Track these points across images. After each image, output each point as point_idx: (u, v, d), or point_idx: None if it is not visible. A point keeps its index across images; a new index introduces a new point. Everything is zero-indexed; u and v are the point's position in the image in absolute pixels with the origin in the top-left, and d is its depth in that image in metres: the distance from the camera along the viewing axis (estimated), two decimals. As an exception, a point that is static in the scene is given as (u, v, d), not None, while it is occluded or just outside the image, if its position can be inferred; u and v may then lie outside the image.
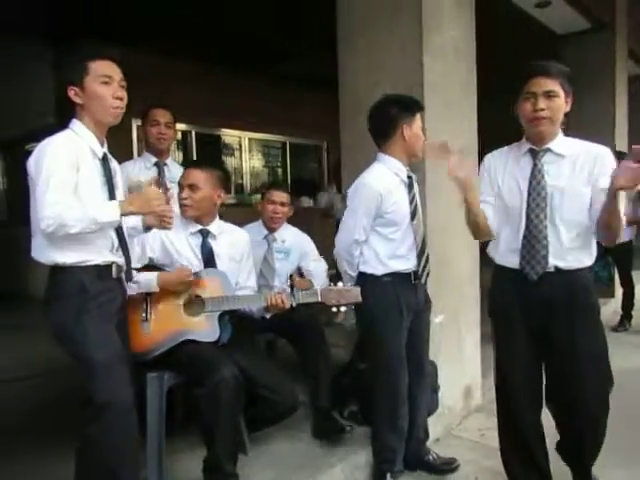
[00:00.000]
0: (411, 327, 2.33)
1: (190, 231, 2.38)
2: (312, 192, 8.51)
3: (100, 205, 1.76)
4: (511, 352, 2.06)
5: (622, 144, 5.59)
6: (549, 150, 1.95)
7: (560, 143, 1.96)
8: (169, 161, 3.11)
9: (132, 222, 2.03)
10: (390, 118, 2.24)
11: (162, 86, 5.24)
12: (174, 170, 2.99)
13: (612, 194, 1.77)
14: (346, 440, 2.54)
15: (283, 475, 2.33)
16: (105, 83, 1.81)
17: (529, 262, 1.94)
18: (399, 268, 2.27)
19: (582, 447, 2.09)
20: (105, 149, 1.89)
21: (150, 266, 2.30)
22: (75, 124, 1.84)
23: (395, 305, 2.25)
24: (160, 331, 2.20)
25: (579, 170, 1.92)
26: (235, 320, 2.43)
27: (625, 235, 4.61)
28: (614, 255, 5.15)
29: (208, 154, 7.24)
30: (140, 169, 3.01)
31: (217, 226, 2.45)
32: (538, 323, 1.98)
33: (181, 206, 2.37)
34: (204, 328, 2.23)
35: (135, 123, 5.78)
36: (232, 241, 2.47)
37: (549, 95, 1.87)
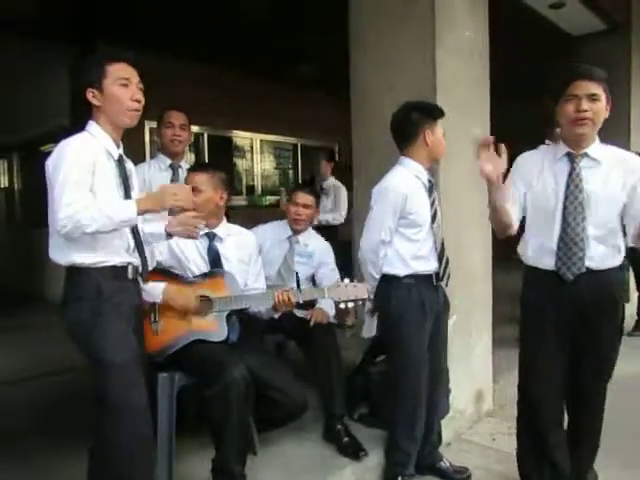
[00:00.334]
0: (431, 329, 2.33)
1: None
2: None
3: (116, 204, 1.78)
4: (541, 350, 2.10)
5: (638, 143, 5.54)
6: (586, 155, 1.99)
7: (597, 149, 2.01)
8: (183, 163, 3.12)
9: (151, 228, 2.04)
10: (413, 123, 2.27)
11: (175, 88, 5.26)
12: None
13: None
14: (361, 457, 2.50)
15: (292, 477, 2.33)
16: (123, 85, 1.83)
17: (565, 263, 1.99)
18: (421, 269, 2.28)
19: (580, 441, 2.17)
20: (121, 150, 1.91)
21: (158, 269, 2.31)
22: (91, 126, 1.85)
23: (418, 306, 2.26)
24: (169, 332, 2.21)
25: (614, 176, 1.97)
26: (244, 321, 2.43)
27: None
28: (630, 259, 5.07)
29: (220, 156, 7.27)
30: (154, 171, 3.03)
31: (224, 229, 2.46)
32: (568, 321, 2.04)
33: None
34: (212, 328, 2.24)
35: (148, 125, 5.83)
36: (239, 243, 2.48)
37: (592, 98, 1.91)
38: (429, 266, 2.30)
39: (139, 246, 1.91)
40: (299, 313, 2.77)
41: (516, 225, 2.11)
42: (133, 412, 1.76)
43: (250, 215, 5.93)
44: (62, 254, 1.78)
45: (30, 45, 5.86)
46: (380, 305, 2.35)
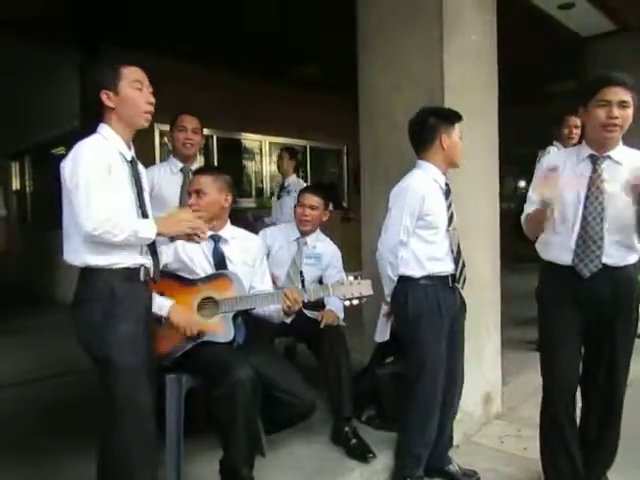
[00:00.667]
0: (448, 330, 2.33)
1: None
2: (333, 196, 8.55)
3: (141, 221, 1.84)
4: (558, 344, 2.17)
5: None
6: (609, 157, 2.06)
7: (620, 151, 2.08)
8: (195, 167, 3.14)
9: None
10: (429, 127, 2.30)
11: (184, 91, 5.30)
12: None
13: None
14: (369, 459, 2.49)
15: (300, 479, 2.33)
16: (138, 89, 1.87)
17: (582, 260, 2.05)
18: (437, 270, 2.29)
19: (599, 442, 2.22)
20: (133, 152, 1.93)
21: (164, 272, 2.30)
22: (103, 128, 1.87)
23: (434, 308, 2.27)
24: (175, 335, 2.22)
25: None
26: (251, 322, 2.44)
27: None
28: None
29: (229, 158, 7.31)
30: (166, 173, 3.05)
31: (228, 231, 2.47)
32: (584, 316, 2.11)
33: None
34: (218, 329, 2.24)
35: (158, 128, 5.87)
36: (244, 246, 2.49)
37: (623, 105, 1.98)
38: (445, 267, 2.31)
39: (152, 248, 1.93)
40: (309, 314, 2.77)
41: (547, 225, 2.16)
42: (140, 413, 1.78)
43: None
44: (77, 255, 1.79)
45: (40, 48, 5.93)
46: (397, 306, 2.35)
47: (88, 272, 1.80)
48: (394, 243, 2.29)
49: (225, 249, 2.42)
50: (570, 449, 2.17)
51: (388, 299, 2.38)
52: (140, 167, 1.98)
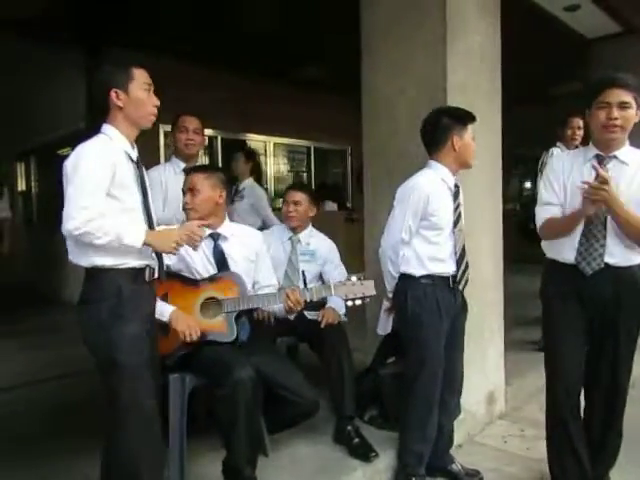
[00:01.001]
0: (448, 330, 2.34)
1: None
2: (336, 196, 8.56)
3: (128, 227, 1.79)
4: (561, 341, 2.19)
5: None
6: (615, 157, 2.08)
7: (626, 152, 2.09)
8: None
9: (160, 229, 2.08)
10: (441, 128, 2.30)
11: (189, 92, 5.32)
12: None
13: None
14: (372, 458, 2.49)
15: (303, 478, 2.34)
16: (147, 90, 1.89)
17: (585, 258, 2.07)
18: (438, 271, 2.30)
19: (602, 442, 2.22)
20: (136, 152, 1.94)
21: (167, 273, 2.31)
22: (107, 128, 1.88)
23: (434, 307, 2.28)
24: (178, 335, 2.22)
25: (639, 178, 2.06)
26: (254, 322, 2.45)
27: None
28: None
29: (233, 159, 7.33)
30: (169, 173, 3.07)
31: (227, 228, 2.48)
32: (586, 314, 2.12)
33: (185, 211, 2.40)
34: (222, 329, 2.26)
35: (163, 129, 5.89)
36: (244, 241, 2.49)
37: (623, 106, 2.00)
38: (446, 268, 2.31)
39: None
40: (310, 315, 2.78)
41: None
42: (145, 414, 1.79)
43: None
44: (83, 256, 1.79)
45: (42, 48, 5.97)
46: (397, 304, 2.38)
47: (95, 272, 1.80)
48: (395, 241, 2.31)
49: (225, 246, 2.43)
50: (577, 449, 2.18)
51: (390, 295, 2.40)
52: (143, 168, 1.98)
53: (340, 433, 2.62)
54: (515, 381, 3.38)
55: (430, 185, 2.29)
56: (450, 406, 2.43)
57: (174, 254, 1.99)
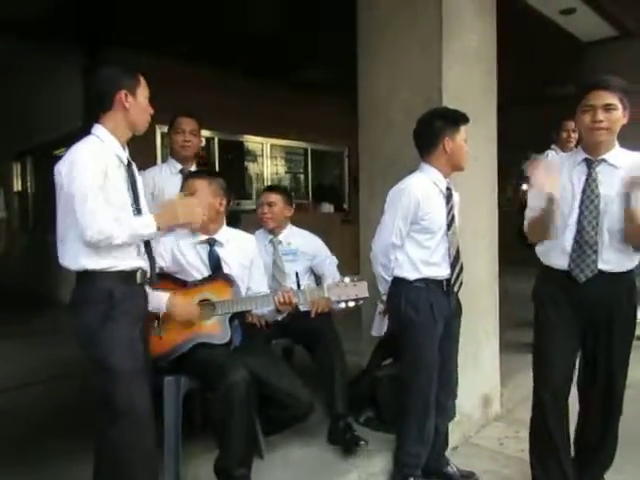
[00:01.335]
0: (442, 334, 2.33)
1: (198, 240, 2.42)
2: (333, 198, 8.56)
3: (139, 218, 1.85)
4: (552, 347, 2.15)
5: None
6: (604, 161, 2.04)
7: (615, 154, 2.05)
8: (193, 168, 3.16)
9: None
10: (433, 130, 2.28)
11: (186, 93, 5.33)
12: None
13: None
14: (362, 446, 2.52)
15: (298, 480, 2.34)
16: (147, 97, 1.93)
17: (578, 265, 2.03)
18: (432, 275, 2.29)
19: (597, 447, 2.20)
20: (127, 154, 1.93)
21: (161, 274, 2.31)
22: (98, 129, 1.87)
23: (427, 310, 2.27)
24: (172, 336, 2.23)
25: None
26: (247, 325, 2.45)
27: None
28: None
29: (231, 160, 7.33)
30: (165, 174, 3.07)
31: (224, 234, 2.48)
32: (581, 321, 2.09)
33: None
34: (215, 331, 2.26)
35: (159, 130, 5.89)
36: (240, 247, 2.50)
37: (608, 108, 1.97)
38: (440, 272, 2.30)
39: (148, 250, 1.94)
40: (302, 307, 2.79)
41: (553, 229, 2.13)
42: (138, 416, 1.79)
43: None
44: (74, 260, 1.79)
45: (40, 49, 5.95)
46: (391, 306, 2.37)
47: (86, 274, 1.80)
48: (386, 245, 2.30)
49: (220, 252, 2.43)
50: (559, 455, 2.15)
51: (384, 298, 2.39)
52: (135, 169, 1.98)
53: (333, 433, 2.62)
54: (511, 383, 3.38)
55: (421, 188, 2.26)
56: (445, 408, 2.43)
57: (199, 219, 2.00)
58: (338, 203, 8.65)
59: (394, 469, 2.44)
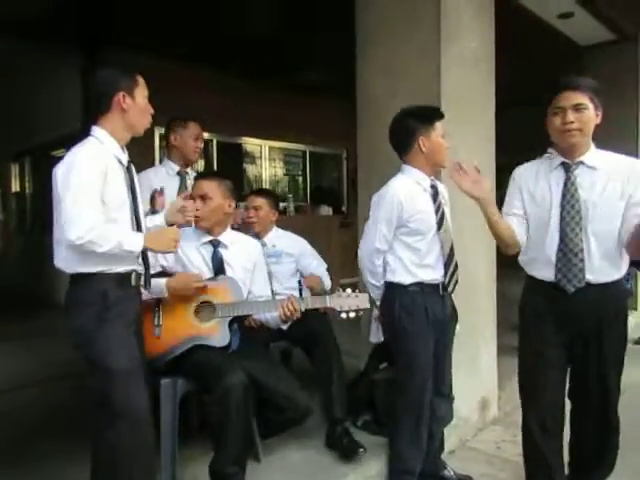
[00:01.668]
0: (436, 337, 2.31)
1: (201, 241, 2.41)
2: (332, 201, 8.56)
3: (128, 233, 1.83)
4: (539, 362, 2.07)
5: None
6: (582, 163, 1.97)
7: (593, 156, 1.98)
8: (190, 170, 3.17)
9: (153, 222, 2.08)
10: (407, 130, 2.24)
11: (184, 95, 5.33)
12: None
13: None
14: (360, 453, 2.50)
15: (295, 483, 2.34)
16: (146, 97, 1.93)
17: (565, 275, 1.95)
18: (427, 278, 2.25)
19: (600, 456, 2.14)
20: (127, 156, 1.93)
21: (163, 273, 2.33)
22: (97, 131, 1.86)
23: (422, 315, 2.23)
24: (171, 336, 2.23)
25: (612, 183, 1.93)
26: (245, 328, 2.45)
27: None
28: (637, 267, 5.05)
29: (229, 162, 7.32)
30: (163, 176, 3.06)
31: (228, 236, 2.48)
32: (569, 333, 2.01)
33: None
34: (215, 334, 2.25)
35: (158, 131, 5.89)
36: (244, 250, 2.50)
37: (578, 108, 1.90)
38: (435, 275, 2.27)
39: (144, 253, 1.93)
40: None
41: (522, 241, 2.08)
42: (135, 417, 1.78)
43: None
44: (68, 263, 1.79)
45: (40, 49, 5.95)
46: (385, 312, 2.34)
47: (80, 276, 1.80)
48: (370, 250, 2.28)
49: (224, 254, 2.43)
50: (552, 474, 2.10)
51: (377, 303, 2.38)
52: (134, 172, 1.98)
53: (331, 437, 2.61)
54: (508, 386, 3.37)
55: (404, 191, 2.22)
56: (440, 412, 2.41)
57: (174, 252, 2.01)
58: (336, 205, 8.66)
59: (388, 475, 2.42)
